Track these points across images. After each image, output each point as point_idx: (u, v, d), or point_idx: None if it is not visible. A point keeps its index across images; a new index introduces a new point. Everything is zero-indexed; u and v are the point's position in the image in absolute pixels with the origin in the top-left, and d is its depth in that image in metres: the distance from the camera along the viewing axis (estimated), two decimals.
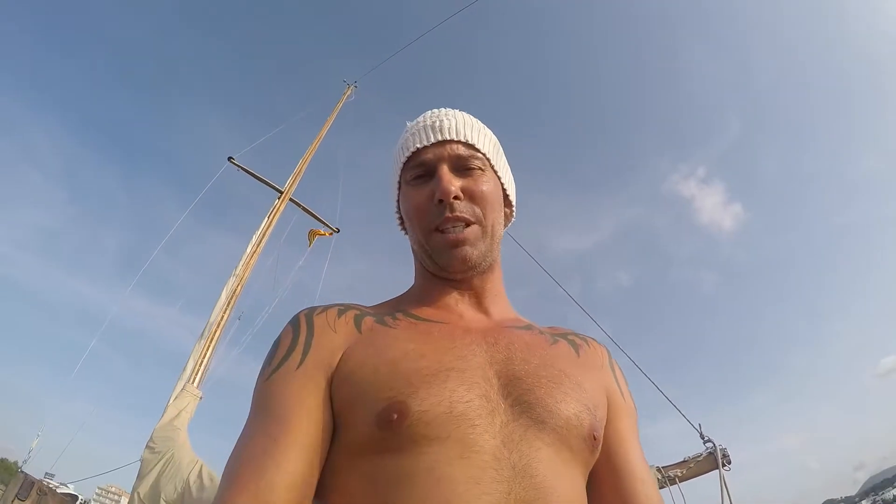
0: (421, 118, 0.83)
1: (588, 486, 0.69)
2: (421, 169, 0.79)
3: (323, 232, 7.45)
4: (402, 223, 0.89)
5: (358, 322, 0.73)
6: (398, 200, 0.86)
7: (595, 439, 0.67)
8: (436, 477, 0.55)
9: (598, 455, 0.69)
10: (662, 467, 2.52)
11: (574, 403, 0.66)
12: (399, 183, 0.84)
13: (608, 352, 0.85)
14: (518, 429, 0.61)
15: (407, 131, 0.83)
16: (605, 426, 0.73)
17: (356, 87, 9.53)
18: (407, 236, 0.88)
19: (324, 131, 7.96)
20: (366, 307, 0.79)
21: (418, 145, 0.79)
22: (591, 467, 0.69)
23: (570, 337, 0.82)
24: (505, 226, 0.87)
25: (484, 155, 0.80)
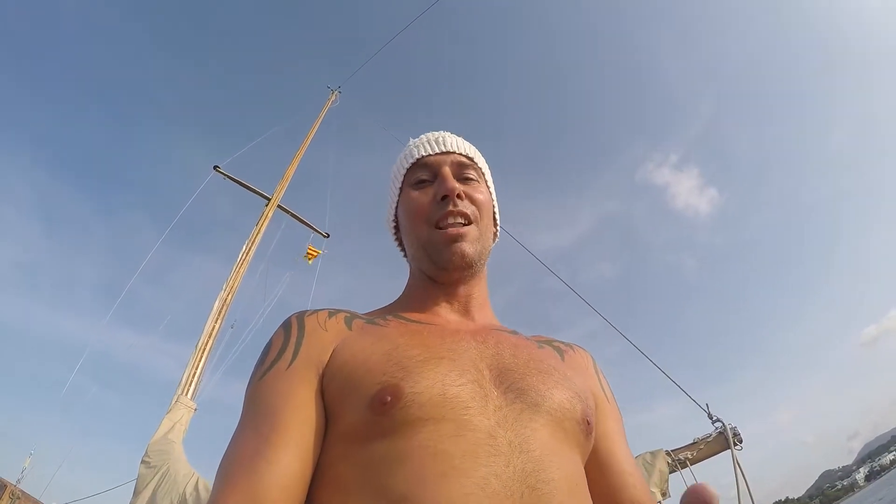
0: (424, 135, 0.91)
1: None
2: (425, 173, 0.85)
3: (314, 252, 7.37)
4: (395, 231, 0.93)
5: (349, 322, 0.75)
6: (396, 207, 0.90)
7: (588, 424, 0.68)
8: (431, 453, 0.55)
9: (592, 442, 0.71)
10: (672, 451, 2.47)
11: (565, 390, 0.68)
12: (400, 189, 0.88)
13: (592, 358, 0.87)
14: (512, 412, 0.61)
15: (410, 144, 0.90)
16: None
17: (340, 92, 9.58)
18: (399, 246, 0.94)
19: (309, 137, 7.92)
20: (356, 312, 0.81)
21: (423, 153, 0.86)
22: (587, 456, 0.70)
23: (554, 344, 0.85)
24: (492, 243, 0.91)
25: (480, 169, 0.90)
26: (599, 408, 0.77)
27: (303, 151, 7.53)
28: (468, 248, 0.79)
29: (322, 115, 8.54)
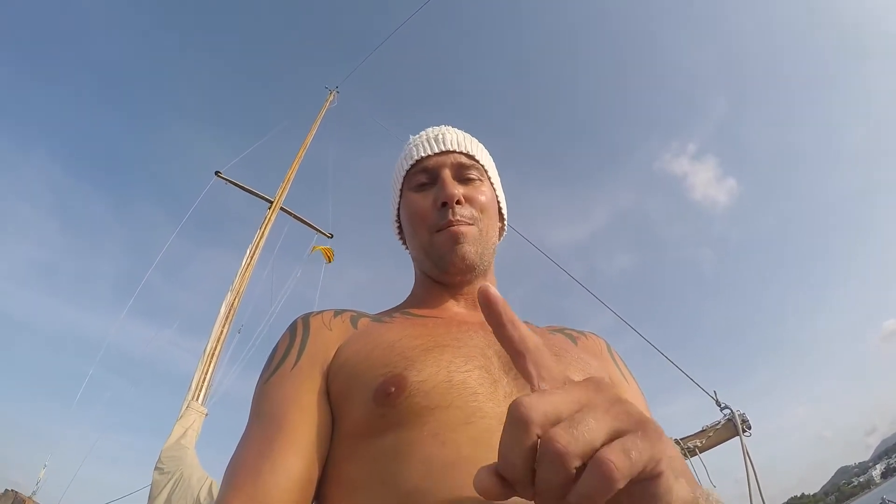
0: (423, 132, 0.88)
1: None
2: (425, 176, 0.83)
3: (325, 250, 7.37)
4: (399, 233, 0.93)
5: (354, 321, 0.74)
6: (398, 209, 0.89)
7: None
8: (440, 441, 0.53)
9: None
10: (680, 439, 2.47)
11: (578, 373, 0.66)
12: (401, 191, 0.87)
13: (606, 342, 0.85)
14: None
15: (410, 143, 0.88)
16: None
17: (338, 91, 9.59)
18: (404, 246, 0.93)
19: (309, 139, 7.93)
20: (364, 311, 0.81)
21: (422, 154, 0.84)
22: None
23: (566, 331, 0.84)
24: (498, 239, 0.90)
25: (482, 167, 0.86)
26: (618, 389, 0.76)
27: (302, 154, 7.55)
28: (468, 249, 0.78)
29: (321, 115, 8.56)
